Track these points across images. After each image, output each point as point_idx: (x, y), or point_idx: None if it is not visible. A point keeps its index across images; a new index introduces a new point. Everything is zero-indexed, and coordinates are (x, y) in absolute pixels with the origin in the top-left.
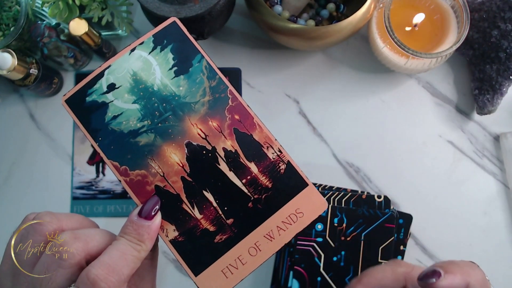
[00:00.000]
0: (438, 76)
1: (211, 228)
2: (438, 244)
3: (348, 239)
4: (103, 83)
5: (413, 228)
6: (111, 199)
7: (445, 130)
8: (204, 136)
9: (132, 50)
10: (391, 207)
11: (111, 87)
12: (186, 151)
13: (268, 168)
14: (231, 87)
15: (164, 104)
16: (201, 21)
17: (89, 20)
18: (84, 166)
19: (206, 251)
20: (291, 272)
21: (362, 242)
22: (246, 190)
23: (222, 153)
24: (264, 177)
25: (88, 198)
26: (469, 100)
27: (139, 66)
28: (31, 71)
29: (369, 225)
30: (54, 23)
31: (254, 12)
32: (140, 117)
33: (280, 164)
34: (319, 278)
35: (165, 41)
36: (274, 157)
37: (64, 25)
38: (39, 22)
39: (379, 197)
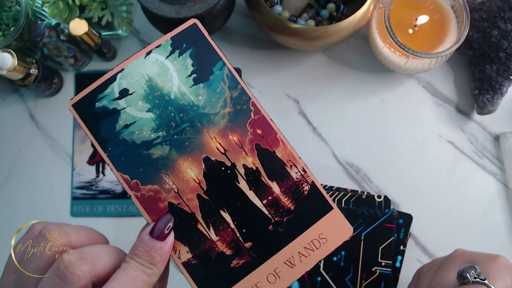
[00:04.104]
0: (438, 76)
1: (228, 252)
2: (438, 244)
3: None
4: (115, 88)
5: (413, 228)
6: (111, 199)
7: (445, 130)
8: (223, 151)
9: (148, 53)
10: (391, 207)
11: (124, 92)
12: (203, 166)
13: (291, 188)
14: (253, 99)
15: (181, 114)
16: (201, 21)
17: (89, 20)
18: (84, 166)
19: (222, 276)
20: None
21: (362, 242)
22: (266, 212)
23: (242, 170)
24: (286, 198)
25: (88, 198)
26: (469, 100)
27: (155, 71)
28: (31, 71)
29: (369, 225)
30: (54, 23)
31: (254, 12)
32: (154, 127)
33: (303, 185)
34: (319, 278)
35: (184, 45)
36: (297, 177)
37: (64, 25)
38: (39, 22)
39: (379, 197)
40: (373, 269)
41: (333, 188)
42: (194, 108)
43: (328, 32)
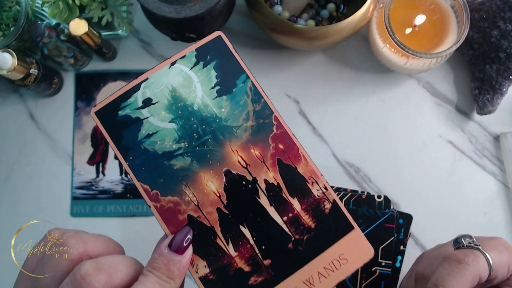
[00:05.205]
0: (438, 76)
1: (246, 268)
2: None
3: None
4: (138, 97)
5: (413, 228)
6: (111, 199)
7: (445, 130)
8: (245, 165)
9: (172, 63)
10: (391, 207)
11: (147, 102)
12: (224, 180)
13: (312, 206)
14: (276, 113)
15: (203, 126)
16: (201, 21)
17: (89, 20)
18: (84, 166)
19: None
20: None
21: None
22: (287, 229)
23: (263, 186)
24: (307, 216)
25: (88, 198)
26: (469, 100)
27: (179, 82)
28: (31, 71)
29: (369, 225)
30: (54, 23)
31: (254, 12)
32: (176, 138)
33: (325, 203)
34: None
35: (208, 57)
36: (319, 194)
37: (64, 25)
38: (39, 22)
39: (379, 197)
40: (373, 269)
41: (333, 188)
42: (217, 120)
43: (328, 32)
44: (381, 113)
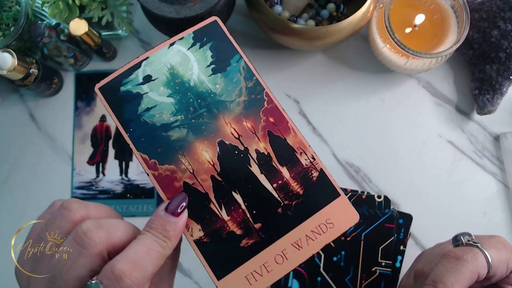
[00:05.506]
0: (438, 76)
1: (238, 231)
2: None
3: (348, 239)
4: (139, 74)
5: (413, 228)
6: (111, 199)
7: (445, 130)
8: (237, 136)
9: (171, 44)
10: (391, 207)
11: (147, 78)
12: (218, 149)
13: (300, 174)
14: (267, 90)
15: (199, 100)
16: (201, 21)
17: (89, 20)
18: (84, 166)
19: (231, 254)
20: (291, 272)
21: (362, 242)
22: (276, 195)
23: (254, 155)
24: (295, 183)
25: (88, 198)
26: (469, 100)
27: (177, 60)
28: (31, 71)
29: (369, 225)
30: (54, 23)
31: (254, 12)
32: (174, 111)
33: (312, 171)
34: (319, 278)
35: (204, 39)
36: (307, 163)
37: (64, 25)
38: (39, 22)
39: (379, 197)
40: (373, 269)
41: None
42: (212, 95)
43: (328, 32)
44: (381, 113)
